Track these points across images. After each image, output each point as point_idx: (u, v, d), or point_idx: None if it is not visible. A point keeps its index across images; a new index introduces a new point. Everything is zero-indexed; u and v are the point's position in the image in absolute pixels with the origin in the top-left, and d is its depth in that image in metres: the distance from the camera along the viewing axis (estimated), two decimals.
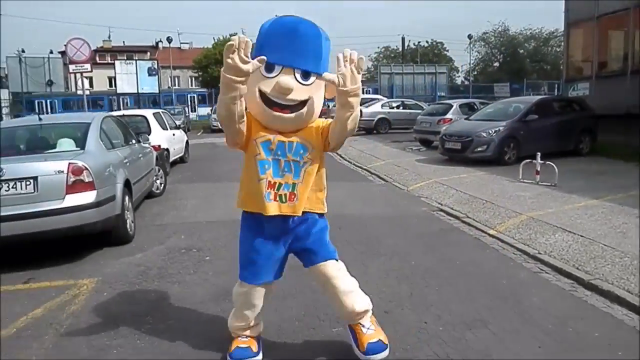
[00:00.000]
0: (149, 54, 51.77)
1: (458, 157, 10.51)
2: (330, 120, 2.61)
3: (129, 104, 31.65)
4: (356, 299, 2.75)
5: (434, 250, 4.89)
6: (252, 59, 2.30)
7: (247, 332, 2.82)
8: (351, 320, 2.81)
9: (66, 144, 5.10)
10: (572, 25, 15.07)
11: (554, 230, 5.24)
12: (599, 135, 11.61)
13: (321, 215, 2.76)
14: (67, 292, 3.97)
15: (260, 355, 2.80)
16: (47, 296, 3.90)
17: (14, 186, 4.32)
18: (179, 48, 54.42)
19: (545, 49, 50.21)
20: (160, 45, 53.48)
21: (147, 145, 7.44)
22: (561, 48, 45.09)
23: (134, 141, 6.78)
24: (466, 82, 45.14)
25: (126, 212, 5.26)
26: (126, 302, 3.75)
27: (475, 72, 52.35)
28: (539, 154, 7.87)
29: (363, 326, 2.78)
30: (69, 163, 4.48)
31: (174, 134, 11.30)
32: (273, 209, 2.56)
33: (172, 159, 10.89)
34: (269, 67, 2.42)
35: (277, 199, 2.57)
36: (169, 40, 39.91)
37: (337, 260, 2.76)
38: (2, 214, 4.23)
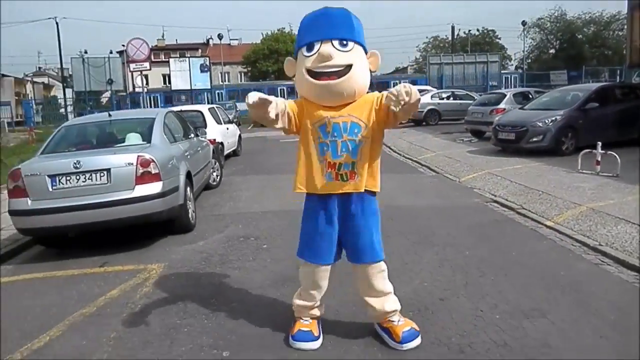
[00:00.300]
0: (200, 51, 53.31)
1: (512, 148, 10.24)
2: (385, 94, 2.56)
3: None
4: (389, 300, 2.89)
5: (488, 241, 4.86)
6: (297, 50, 2.72)
7: (311, 313, 2.97)
8: (380, 319, 2.93)
9: (134, 138, 5.46)
10: (636, 7, 14.24)
11: (616, 221, 5.07)
12: None
13: (373, 194, 2.83)
14: (138, 276, 4.28)
15: (321, 339, 2.93)
16: (121, 279, 4.23)
17: (90, 177, 4.69)
18: (229, 44, 55.58)
19: (606, 33, 47.47)
20: (210, 42, 54.89)
21: (204, 139, 7.77)
22: (624, 32, 42.56)
23: (192, 135, 7.10)
24: (519, 71, 43.42)
25: (188, 202, 5.56)
26: (192, 285, 4.00)
27: (529, 60, 50.30)
28: (599, 143, 7.57)
29: (393, 321, 2.89)
30: (138, 156, 4.81)
31: (227, 128, 11.68)
32: (336, 187, 2.70)
33: (226, 152, 11.26)
34: (309, 47, 2.65)
35: (339, 178, 2.69)
36: (220, 37, 40.92)
37: (381, 262, 2.85)
38: (79, 203, 4.61)
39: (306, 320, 2.98)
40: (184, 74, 29.57)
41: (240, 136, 13.43)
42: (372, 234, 2.81)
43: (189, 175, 5.72)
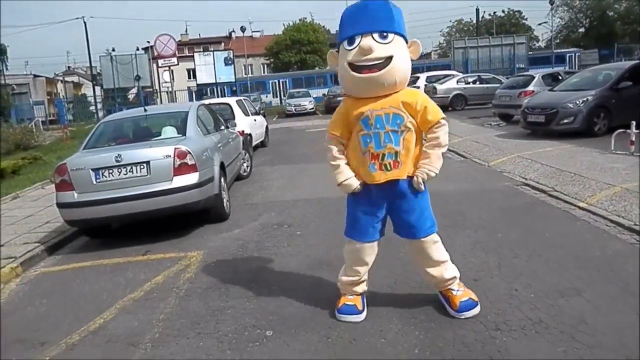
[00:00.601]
0: (222, 44, 53.70)
1: (542, 131, 10.10)
2: (431, 103, 2.89)
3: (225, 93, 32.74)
4: (447, 268, 3.06)
5: (521, 224, 4.88)
6: (339, 44, 2.85)
7: (356, 288, 3.13)
8: (441, 287, 3.08)
9: (169, 131, 5.66)
10: None
11: None
12: None
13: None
14: (180, 262, 4.49)
15: (365, 313, 3.11)
16: (164, 266, 4.44)
17: (131, 170, 4.90)
18: (251, 36, 55.83)
19: (639, 8, 45.65)
20: (233, 35, 55.25)
21: (234, 130, 7.94)
22: None
23: (223, 127, 7.28)
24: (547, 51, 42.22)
25: (223, 192, 5.74)
26: (231, 271, 4.17)
27: (558, 40, 48.86)
28: (633, 122, 7.41)
29: (452, 290, 3.08)
30: (175, 148, 5.00)
31: (255, 120, 11.86)
32: (379, 177, 2.84)
33: (254, 143, 11.44)
34: (350, 41, 2.75)
35: (382, 168, 2.83)
36: (243, 29, 41.17)
37: (434, 233, 3.01)
38: (122, 194, 4.83)
39: (351, 296, 3.14)
40: (208, 68, 29.92)
41: (267, 127, 13.60)
42: (423, 210, 2.98)
43: (222, 166, 5.89)
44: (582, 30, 49.42)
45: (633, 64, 10.96)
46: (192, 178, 5.02)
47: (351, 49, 2.73)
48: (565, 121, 9.61)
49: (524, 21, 52.51)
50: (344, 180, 2.91)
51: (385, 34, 2.71)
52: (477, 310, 3.02)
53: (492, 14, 51.54)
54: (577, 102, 9.54)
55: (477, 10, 44.02)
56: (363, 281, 3.16)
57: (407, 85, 2.92)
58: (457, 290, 3.06)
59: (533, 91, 12.84)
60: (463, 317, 2.97)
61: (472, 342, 2.75)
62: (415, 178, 2.86)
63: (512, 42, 31.18)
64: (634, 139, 7.37)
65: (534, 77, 14.00)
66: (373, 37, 2.69)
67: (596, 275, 3.53)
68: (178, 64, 16.25)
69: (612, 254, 3.93)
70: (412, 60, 2.88)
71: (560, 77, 13.60)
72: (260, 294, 3.63)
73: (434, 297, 3.23)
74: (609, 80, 9.92)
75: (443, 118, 2.89)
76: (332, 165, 2.99)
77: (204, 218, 5.65)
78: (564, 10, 47.88)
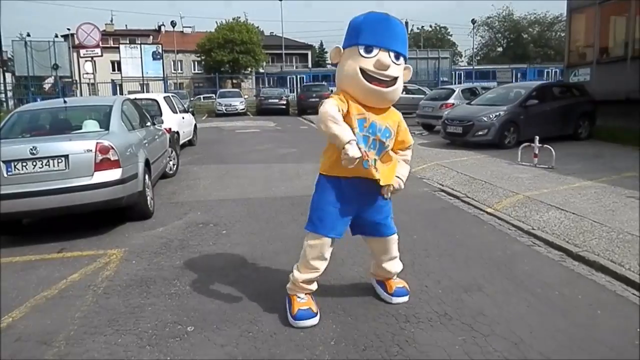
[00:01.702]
0: (151, 37, 51.81)
1: (459, 141, 10.82)
2: (403, 132, 3.18)
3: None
4: (397, 264, 3.43)
5: (435, 226, 5.25)
6: (352, 44, 2.90)
7: (311, 286, 3.17)
8: (385, 278, 3.43)
9: (91, 125, 5.45)
10: (575, 10, 15.22)
11: (547, 208, 5.58)
12: (599, 121, 11.90)
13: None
14: (99, 260, 4.35)
15: (319, 315, 3.11)
16: (81, 263, 4.28)
17: (47, 163, 4.67)
18: (182, 32, 54.36)
19: (549, 33, 50.05)
20: (162, 29, 53.45)
21: (160, 127, 7.77)
22: (565, 33, 45.09)
23: (149, 123, 7.10)
24: (469, 67, 45.02)
25: (147, 189, 5.62)
26: (154, 269, 4.12)
27: (479, 57, 52.23)
28: (537, 137, 8.18)
29: (392, 279, 3.43)
30: (97, 142, 4.83)
31: (183, 118, 11.61)
32: (363, 172, 2.92)
33: (181, 141, 11.21)
34: (368, 49, 2.86)
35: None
36: (173, 24, 40.06)
37: (395, 233, 3.31)
38: (36, 189, 4.59)
39: (302, 299, 3.13)
40: (135, 61, 28.73)
41: (195, 126, 13.36)
42: (390, 211, 3.27)
43: (147, 163, 5.77)
44: (500, 49, 53.18)
45: (539, 84, 12.08)
46: (114, 174, 4.87)
47: (368, 58, 2.85)
48: (479, 133, 10.37)
49: (449, 37, 55.62)
50: (349, 143, 2.61)
51: (399, 56, 2.92)
52: (406, 298, 3.36)
53: (420, 27, 54.09)
54: (491, 116, 10.34)
55: (406, 23, 46.01)
56: (316, 280, 3.20)
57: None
58: (395, 279, 3.43)
59: (453, 104, 13.71)
60: (394, 302, 3.31)
61: (384, 333, 2.96)
62: (392, 183, 3.06)
63: (437, 56, 32.96)
64: (537, 152, 8.14)
65: (454, 91, 14.94)
66: (390, 55, 2.87)
67: (496, 272, 3.91)
68: (102, 56, 15.47)
69: (511, 254, 4.37)
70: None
71: (477, 92, 14.62)
72: (182, 291, 3.64)
73: (351, 291, 3.44)
74: (518, 98, 10.85)
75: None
76: (333, 123, 2.68)
77: (126, 215, 5.49)
78: (484, 30, 51.30)
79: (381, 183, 3.00)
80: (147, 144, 6.13)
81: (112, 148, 4.88)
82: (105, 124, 5.41)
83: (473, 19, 44.86)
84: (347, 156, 2.61)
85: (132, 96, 9.81)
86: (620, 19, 13.96)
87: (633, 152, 9.33)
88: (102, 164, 4.81)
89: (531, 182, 6.97)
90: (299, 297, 3.15)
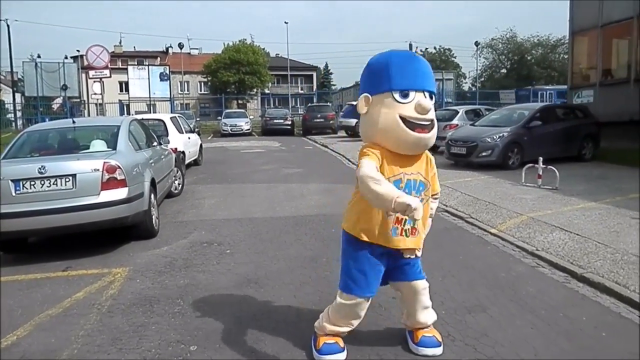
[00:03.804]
0: (159, 59, 52.65)
1: (463, 162, 10.84)
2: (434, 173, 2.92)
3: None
4: (430, 314, 3.04)
5: (439, 247, 5.23)
6: (383, 90, 2.62)
7: (340, 333, 2.97)
8: (415, 328, 3.05)
9: (99, 144, 5.54)
10: (577, 33, 15.40)
11: (551, 229, 5.57)
12: (603, 142, 11.91)
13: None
14: (103, 279, 4.37)
15: (346, 351, 2.91)
16: (86, 282, 4.31)
17: (55, 182, 4.74)
18: (189, 53, 55.20)
19: (552, 55, 50.43)
20: (170, 50, 54.33)
21: (166, 147, 7.86)
22: (568, 55, 45.44)
23: (155, 143, 7.20)
24: (473, 89, 45.41)
25: (152, 208, 5.67)
26: (158, 288, 4.14)
27: (483, 79, 52.64)
28: (540, 158, 8.20)
29: (422, 329, 3.04)
30: (104, 162, 4.91)
31: (189, 137, 11.75)
32: (400, 243, 2.72)
33: (187, 161, 11.31)
34: (404, 94, 2.59)
35: (403, 233, 2.72)
36: (180, 46, 40.68)
37: (424, 279, 2.97)
38: (44, 207, 4.65)
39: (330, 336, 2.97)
40: (142, 82, 29.12)
41: (201, 145, 13.48)
42: (416, 262, 2.91)
43: (153, 182, 5.83)
44: (504, 71, 53.60)
45: (542, 106, 12.16)
46: (121, 193, 4.94)
47: (405, 103, 2.59)
48: (483, 154, 10.41)
49: (453, 59, 56.15)
50: (399, 197, 2.33)
51: (432, 95, 2.69)
52: (437, 350, 2.94)
53: (423, 49, 54.67)
54: (495, 137, 10.39)
55: (410, 45, 46.54)
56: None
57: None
58: (426, 328, 3.04)
59: (457, 125, 13.78)
60: (421, 353, 2.93)
61: (386, 353, 2.95)
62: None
63: (441, 78, 33.19)
64: (541, 173, 8.15)
65: (458, 112, 15.02)
66: (425, 96, 2.63)
67: (500, 294, 3.90)
68: (111, 77, 15.73)
69: (515, 275, 4.35)
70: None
71: (481, 113, 14.70)
72: (186, 310, 3.65)
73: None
74: (522, 119, 10.91)
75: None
76: (374, 183, 2.39)
77: (131, 234, 5.53)
78: (489, 52, 51.80)
79: (413, 246, 2.79)
80: (153, 164, 6.20)
81: (119, 167, 4.95)
82: (112, 144, 5.50)
83: (476, 41, 45.31)
84: (412, 210, 2.30)
85: (139, 116, 9.96)
86: (623, 41, 14.12)
87: (637, 174, 9.31)
88: (109, 183, 4.87)
89: (535, 203, 6.96)
90: (327, 337, 2.98)
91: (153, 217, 5.69)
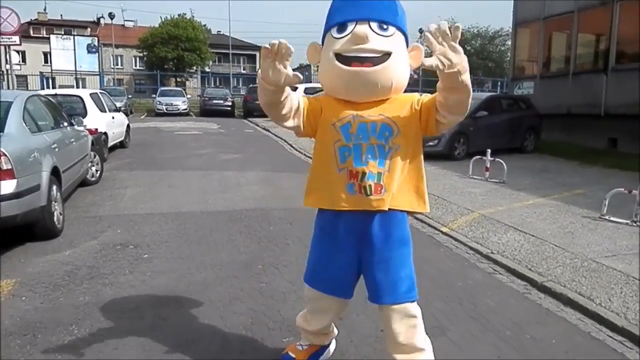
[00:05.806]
0: (89, 30, 48.97)
1: None
2: (429, 95, 2.21)
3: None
4: (415, 356, 2.37)
5: None
6: (325, 32, 2.20)
7: (316, 341, 2.60)
8: None
9: None
10: (520, 24, 15.49)
11: (505, 229, 5.24)
12: (542, 134, 12.03)
13: (410, 213, 2.32)
14: None
15: None
16: None
17: None
18: (123, 26, 51.80)
19: (490, 47, 51.93)
20: (102, 21, 50.63)
21: (81, 128, 6.82)
22: (505, 47, 46.93)
23: (65, 124, 6.16)
24: (415, 76, 45.89)
25: (53, 203, 4.73)
26: (48, 309, 3.30)
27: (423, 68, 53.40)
28: (489, 150, 7.97)
29: None
30: None
31: (113, 117, 10.54)
32: (356, 203, 2.16)
33: (110, 143, 10.16)
34: (341, 27, 2.13)
35: (362, 191, 2.14)
36: (111, 16, 37.91)
37: (407, 303, 2.30)
38: None
39: (301, 346, 2.59)
40: (67, 54, 26.69)
41: (128, 126, 12.26)
42: (400, 265, 2.28)
43: (55, 172, 4.87)
44: None
45: (488, 96, 12.07)
46: (6, 186, 3.98)
47: (341, 37, 2.11)
48: (430, 144, 10.08)
49: None
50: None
51: (385, 25, 2.10)
52: None
53: None
54: None
55: None
56: (326, 334, 2.58)
57: None
58: None
59: None
60: None
61: None
62: (434, 59, 1.87)
63: None
64: (489, 165, 7.90)
65: None
66: (371, 26, 2.08)
67: (459, 310, 3.44)
68: (21, 44, 13.90)
69: (472, 284, 3.92)
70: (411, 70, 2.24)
71: None
72: (80, 341, 2.86)
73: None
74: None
75: None
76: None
77: (26, 234, 4.58)
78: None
79: (403, 208, 2.23)
80: (57, 149, 5.21)
81: (4, 155, 3.98)
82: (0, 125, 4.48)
83: (420, 28, 45.60)
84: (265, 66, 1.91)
85: (51, 92, 8.72)
86: (563, 35, 14.32)
87: (579, 168, 9.38)
88: None
89: (485, 198, 6.67)
90: (300, 343, 2.61)
91: (55, 213, 4.75)
